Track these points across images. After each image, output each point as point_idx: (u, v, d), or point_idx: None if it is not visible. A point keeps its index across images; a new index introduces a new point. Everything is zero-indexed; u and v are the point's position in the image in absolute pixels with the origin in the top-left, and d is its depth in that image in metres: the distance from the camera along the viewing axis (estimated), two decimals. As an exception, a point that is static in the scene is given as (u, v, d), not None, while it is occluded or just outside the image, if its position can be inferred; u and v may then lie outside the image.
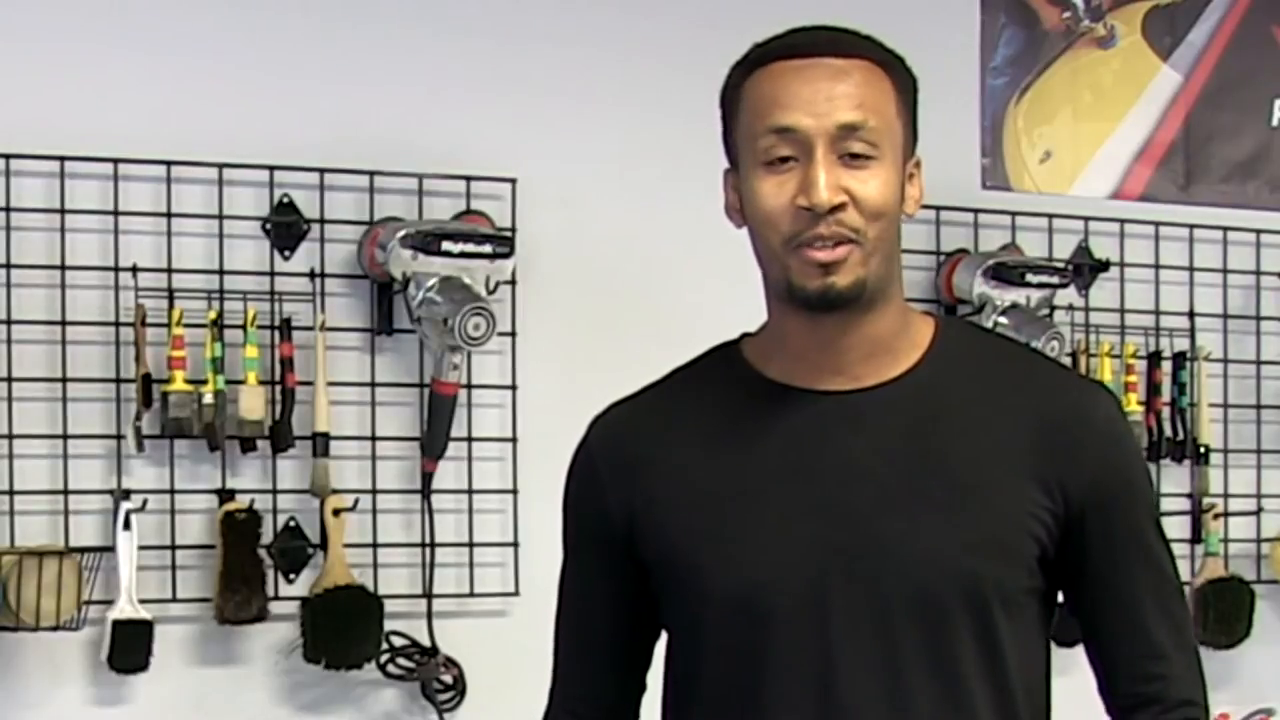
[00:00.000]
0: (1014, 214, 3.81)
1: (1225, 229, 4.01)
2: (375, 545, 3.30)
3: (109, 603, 3.07)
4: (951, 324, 2.00)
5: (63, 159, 3.09)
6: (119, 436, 3.12)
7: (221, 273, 3.20)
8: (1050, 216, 3.85)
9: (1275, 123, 4.13)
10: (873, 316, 1.88)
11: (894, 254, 1.88)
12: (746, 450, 1.90)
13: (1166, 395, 3.89)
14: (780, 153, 1.83)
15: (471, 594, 3.36)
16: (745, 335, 1.98)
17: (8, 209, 3.08)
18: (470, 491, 3.37)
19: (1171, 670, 1.92)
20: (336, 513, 3.22)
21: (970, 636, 1.85)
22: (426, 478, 3.32)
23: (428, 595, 3.31)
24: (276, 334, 3.21)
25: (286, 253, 3.26)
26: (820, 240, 1.82)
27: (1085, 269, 3.85)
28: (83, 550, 3.05)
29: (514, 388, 3.40)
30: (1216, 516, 3.92)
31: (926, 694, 1.84)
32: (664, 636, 2.00)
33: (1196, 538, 3.91)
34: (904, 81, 1.89)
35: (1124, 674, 1.92)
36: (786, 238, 1.83)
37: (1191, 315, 3.96)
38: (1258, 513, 4.00)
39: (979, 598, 1.84)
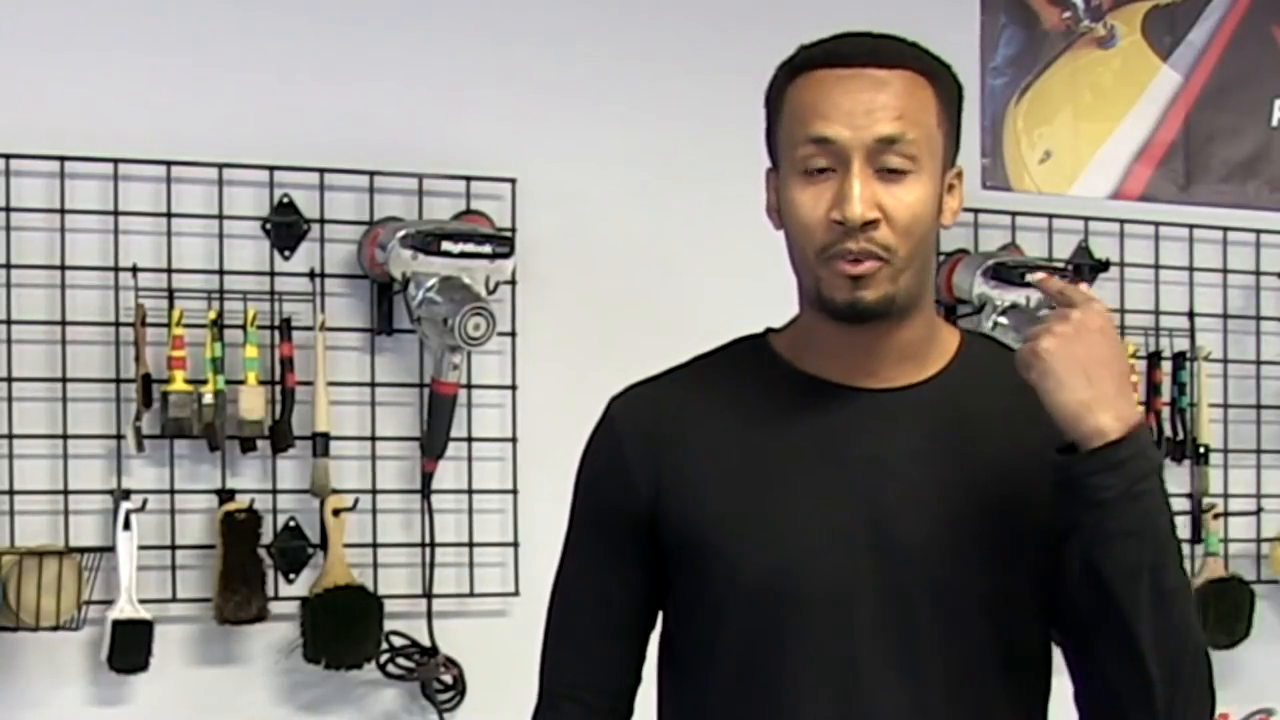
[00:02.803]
0: (1014, 214, 3.82)
1: (1225, 229, 4.01)
2: (375, 545, 3.30)
3: (109, 603, 3.07)
4: (975, 336, 2.02)
5: (63, 159, 3.09)
6: (119, 436, 3.12)
7: (221, 273, 3.20)
8: (1050, 216, 3.85)
9: (1275, 123, 4.13)
10: (904, 326, 1.89)
11: (927, 265, 1.90)
12: (778, 437, 1.90)
13: (1166, 395, 3.89)
14: (818, 164, 1.83)
15: (471, 594, 3.36)
16: (770, 330, 1.98)
17: (8, 209, 3.08)
18: (470, 491, 3.37)
19: None
20: (336, 513, 3.22)
21: (990, 635, 1.86)
22: (426, 478, 3.32)
23: (428, 595, 3.31)
24: (276, 334, 3.21)
25: (286, 253, 3.27)
26: (850, 254, 1.82)
27: (1085, 269, 3.85)
28: (83, 550, 3.05)
29: (514, 388, 3.40)
30: (1216, 516, 3.92)
31: (945, 689, 1.85)
32: (658, 629, 2.00)
33: (1196, 538, 3.91)
34: (948, 91, 1.89)
35: None
36: (819, 249, 1.84)
37: (1191, 315, 3.96)
38: (1258, 513, 4.00)
39: (999, 598, 1.86)
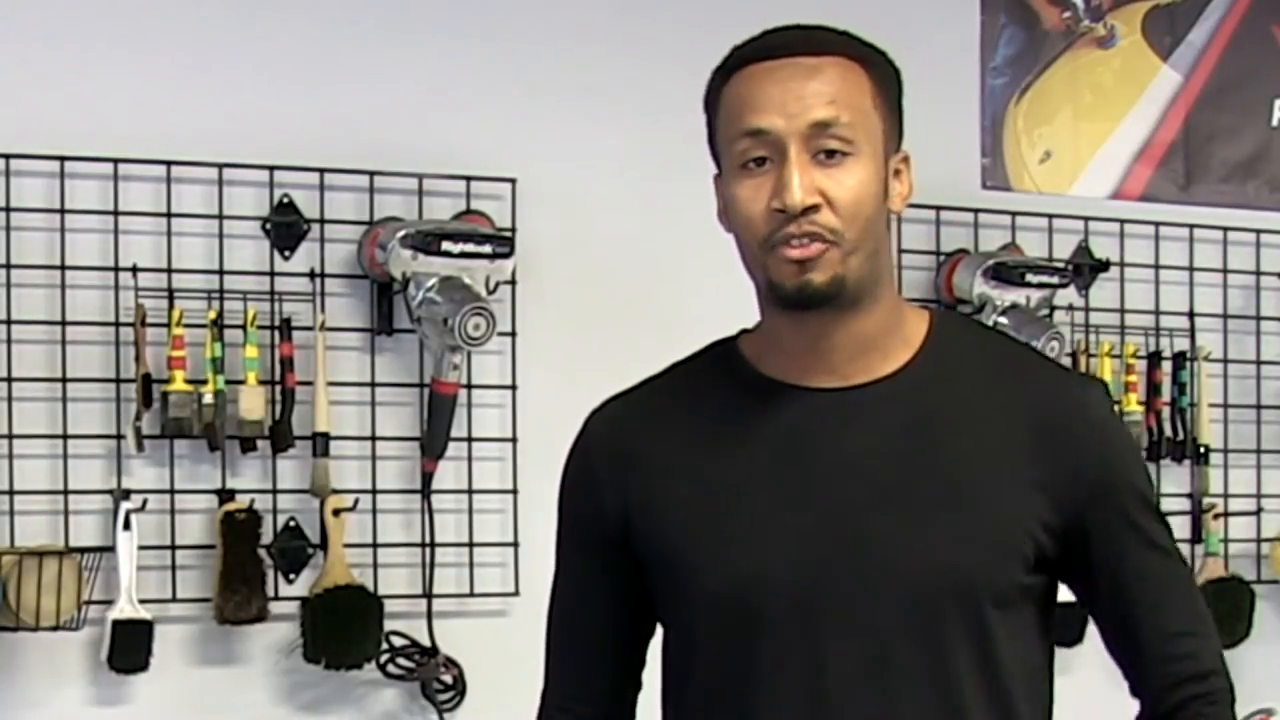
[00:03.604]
0: (1014, 214, 3.81)
1: (1225, 229, 4.01)
2: (375, 545, 3.30)
3: (109, 603, 3.07)
4: (946, 319, 1.99)
5: (63, 159, 3.09)
6: (119, 436, 3.12)
7: (221, 273, 3.20)
8: (1050, 216, 3.85)
9: (1275, 123, 4.13)
10: (859, 315, 1.87)
11: (880, 250, 1.87)
12: (740, 446, 1.90)
13: (1166, 395, 3.89)
14: (755, 155, 1.83)
15: (471, 594, 3.36)
16: (743, 332, 1.97)
17: (8, 209, 3.08)
18: (470, 491, 3.37)
19: (1197, 646, 1.92)
20: (336, 513, 3.22)
21: (963, 635, 1.84)
22: (426, 478, 3.31)
23: (428, 595, 3.31)
24: (276, 334, 3.21)
25: (286, 253, 3.27)
26: (794, 239, 1.81)
27: (1085, 269, 3.85)
28: (83, 550, 3.05)
29: (514, 388, 3.40)
30: (1216, 516, 3.92)
31: (917, 692, 1.84)
32: (658, 634, 2.00)
33: (1196, 538, 3.91)
34: (883, 76, 1.88)
35: (1150, 658, 1.91)
36: (763, 239, 1.83)
37: (1191, 315, 3.96)
38: (1258, 513, 4.00)
39: (971, 596, 1.84)
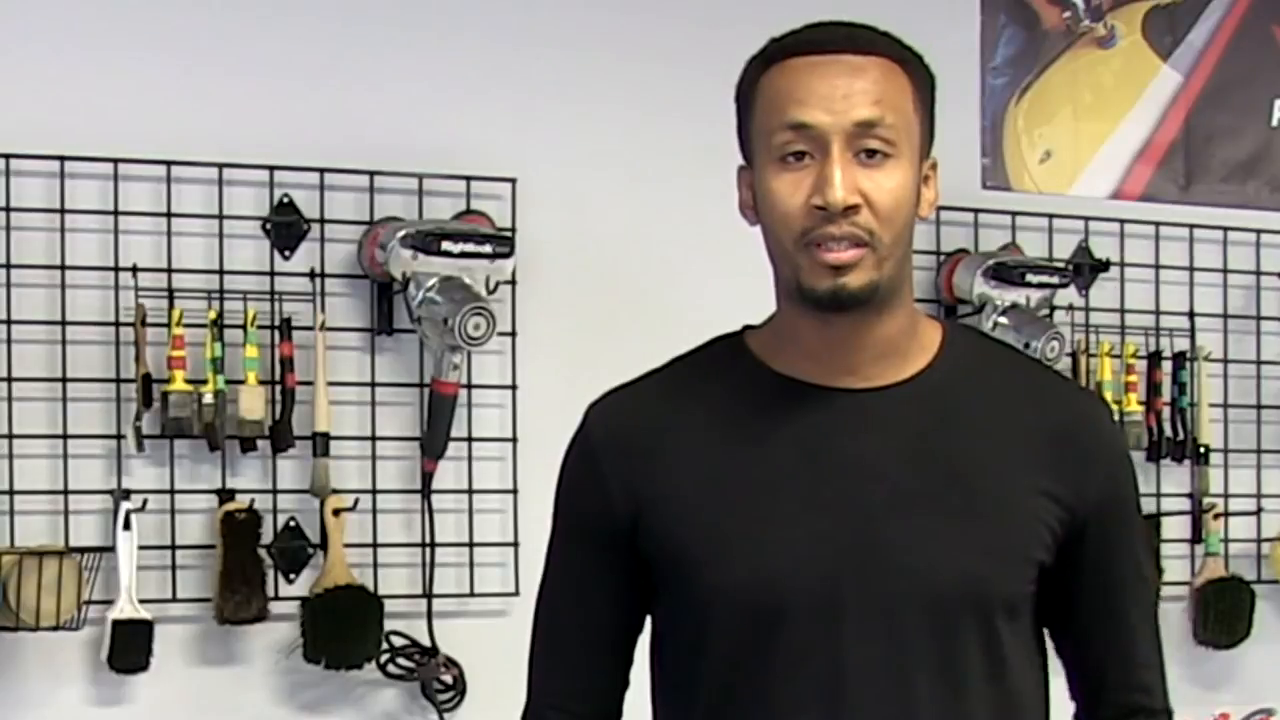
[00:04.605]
0: (1014, 214, 3.81)
1: (1225, 229, 4.01)
2: (375, 545, 3.30)
3: (109, 603, 3.07)
4: (957, 329, 1.99)
5: (63, 159, 3.09)
6: (119, 436, 3.12)
7: (221, 273, 3.20)
8: (1050, 216, 3.85)
9: (1275, 123, 4.13)
10: (884, 318, 1.86)
11: (907, 257, 1.87)
12: (756, 445, 1.88)
13: (1166, 395, 3.89)
14: (796, 149, 1.81)
15: (471, 594, 3.36)
16: (748, 327, 1.96)
17: (8, 209, 3.08)
18: (470, 491, 3.37)
19: (1154, 681, 1.96)
20: (336, 513, 3.22)
21: (976, 639, 1.85)
22: (426, 478, 3.31)
23: (428, 595, 3.31)
24: (276, 334, 3.21)
25: (286, 253, 3.27)
26: (833, 240, 1.79)
27: (1085, 269, 3.85)
28: (83, 550, 3.05)
29: (514, 388, 3.40)
30: (1216, 516, 3.92)
31: (931, 694, 1.84)
32: (647, 632, 1.99)
33: (1196, 538, 3.91)
34: (922, 80, 1.87)
35: (1112, 682, 1.95)
36: (798, 236, 1.81)
37: (1191, 315, 3.96)
38: (1258, 513, 4.00)
39: (985, 602, 1.85)
